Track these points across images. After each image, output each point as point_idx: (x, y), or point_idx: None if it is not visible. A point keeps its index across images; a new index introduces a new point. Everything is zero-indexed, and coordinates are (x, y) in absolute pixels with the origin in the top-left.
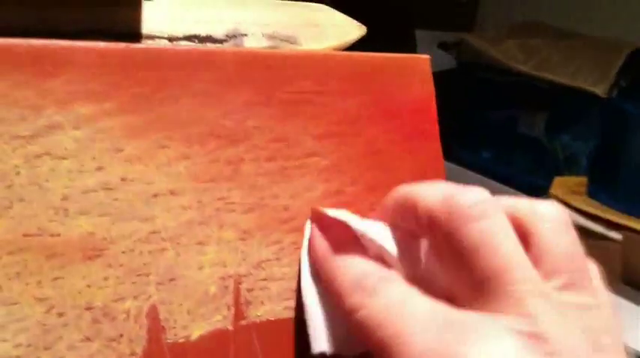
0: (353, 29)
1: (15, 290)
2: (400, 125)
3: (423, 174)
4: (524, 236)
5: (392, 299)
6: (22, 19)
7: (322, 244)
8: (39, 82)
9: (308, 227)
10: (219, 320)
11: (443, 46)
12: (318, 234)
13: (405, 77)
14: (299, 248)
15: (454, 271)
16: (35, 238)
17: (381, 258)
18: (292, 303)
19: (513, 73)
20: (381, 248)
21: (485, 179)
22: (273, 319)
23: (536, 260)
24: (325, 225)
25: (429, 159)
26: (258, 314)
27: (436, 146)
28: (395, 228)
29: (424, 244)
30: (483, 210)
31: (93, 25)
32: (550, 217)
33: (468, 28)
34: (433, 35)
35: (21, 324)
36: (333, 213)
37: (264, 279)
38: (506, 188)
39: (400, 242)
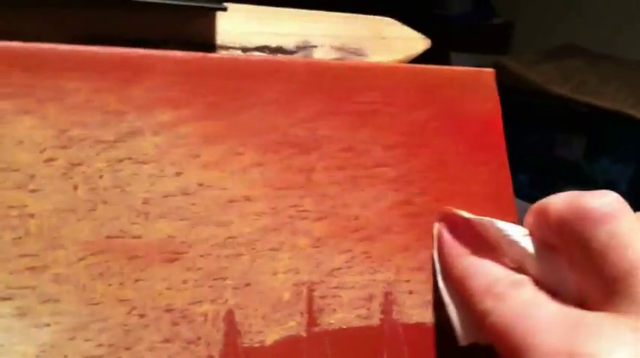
0: (418, 42)
1: (98, 290)
2: (466, 137)
3: (489, 186)
4: None
5: (520, 302)
6: (104, 28)
7: (454, 245)
8: (120, 89)
9: (436, 227)
10: (293, 326)
11: None
12: (447, 234)
13: (471, 90)
14: (369, 257)
15: (584, 274)
16: (118, 240)
17: (513, 261)
18: (364, 312)
19: (551, 95)
20: (518, 246)
21: (522, 202)
22: (345, 327)
23: None
24: (453, 225)
25: (495, 170)
26: (331, 321)
27: (502, 157)
28: (531, 236)
29: (557, 252)
30: (611, 212)
31: (170, 35)
32: None
33: (503, 51)
34: (468, 58)
35: (103, 324)
36: (468, 214)
37: (336, 287)
38: None
39: (536, 248)
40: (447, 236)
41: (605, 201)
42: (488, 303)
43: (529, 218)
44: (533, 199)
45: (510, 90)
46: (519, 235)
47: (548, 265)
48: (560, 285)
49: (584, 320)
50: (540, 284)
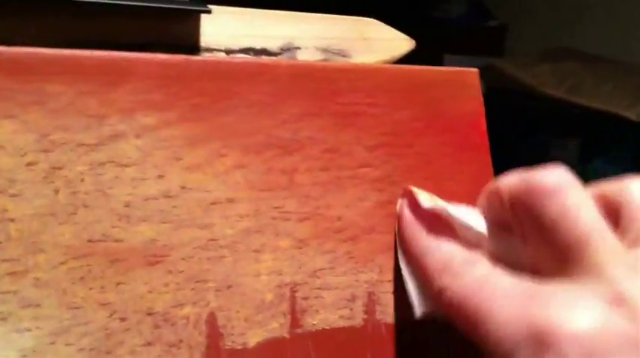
0: (402, 43)
1: (79, 294)
2: (450, 137)
3: (474, 185)
4: (614, 211)
5: (476, 277)
6: (86, 31)
7: (413, 223)
8: (103, 92)
9: (399, 203)
10: (276, 327)
11: None
12: (408, 212)
13: (455, 90)
14: (353, 257)
15: (537, 248)
16: (99, 244)
17: (469, 241)
18: (347, 312)
19: (545, 97)
20: (472, 230)
21: None
22: (328, 328)
23: (623, 230)
24: (414, 203)
25: (479, 170)
26: (314, 322)
27: (486, 158)
28: (485, 217)
29: (510, 230)
30: (560, 184)
31: (154, 37)
32: (637, 189)
33: (498, 53)
34: (461, 60)
35: (84, 328)
36: (425, 199)
37: (319, 288)
38: None
39: (489, 227)
40: (407, 213)
41: (553, 175)
42: (444, 280)
43: (482, 200)
44: None
45: (505, 93)
46: (473, 218)
47: (503, 244)
48: (515, 263)
49: (539, 289)
50: (496, 262)
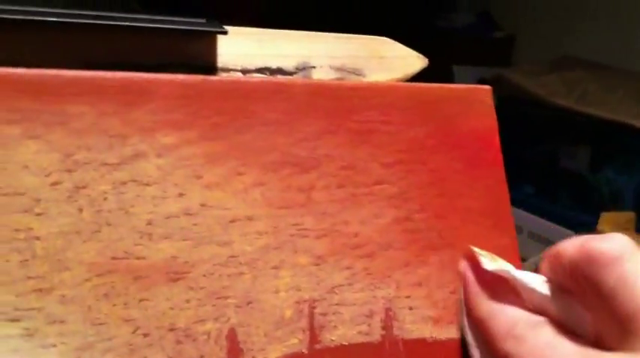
0: (415, 61)
1: (103, 310)
2: (464, 153)
3: (487, 202)
4: None
5: (540, 344)
6: (106, 52)
7: (476, 286)
8: (124, 112)
9: (462, 265)
10: (295, 343)
11: (481, 81)
12: (471, 275)
13: (468, 107)
14: (370, 273)
15: (598, 316)
16: (122, 261)
17: (533, 304)
18: (365, 328)
19: (554, 107)
20: (536, 293)
21: (528, 215)
22: (346, 344)
23: None
24: (477, 266)
25: (493, 186)
26: (332, 338)
27: (500, 174)
28: (548, 281)
29: (572, 295)
30: (619, 254)
31: (171, 58)
32: None
33: (505, 63)
34: (470, 70)
35: (108, 344)
36: (487, 261)
37: (337, 304)
38: (549, 223)
39: (552, 291)
40: (470, 276)
41: (613, 244)
42: (508, 345)
43: (544, 263)
44: (538, 211)
45: (513, 103)
46: (537, 282)
47: (566, 308)
48: (577, 327)
49: None
50: (559, 326)
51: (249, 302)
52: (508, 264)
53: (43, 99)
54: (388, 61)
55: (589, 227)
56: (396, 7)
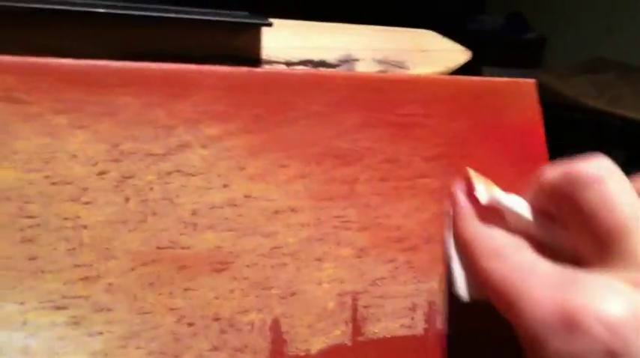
0: (459, 54)
1: (149, 299)
2: (507, 147)
3: None
4: None
5: (520, 262)
6: (152, 44)
7: (467, 208)
8: (169, 103)
9: (455, 186)
10: (338, 335)
11: None
12: (463, 197)
13: (511, 100)
14: (412, 267)
15: (578, 236)
16: (167, 251)
17: (518, 228)
18: (407, 321)
19: (586, 109)
20: (521, 218)
21: None
22: (389, 336)
23: None
24: (470, 189)
25: None
26: (375, 330)
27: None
28: (531, 205)
29: (554, 218)
30: (599, 174)
31: (216, 50)
32: None
33: (536, 65)
34: (500, 73)
35: (154, 332)
36: (481, 190)
37: (380, 297)
38: None
39: (535, 215)
40: (461, 198)
41: (594, 164)
42: (491, 263)
43: (527, 189)
44: None
45: (545, 105)
46: (522, 207)
47: (548, 231)
48: (559, 250)
49: (577, 275)
50: (542, 249)
51: (292, 293)
52: (499, 192)
53: (90, 90)
54: (431, 54)
55: None
56: (426, 9)
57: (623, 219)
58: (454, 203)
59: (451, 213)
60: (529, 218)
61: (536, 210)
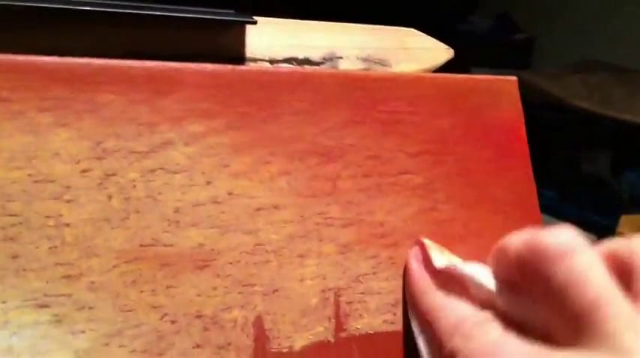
0: (442, 53)
1: (131, 297)
2: (490, 144)
3: (514, 192)
4: (625, 271)
5: (488, 342)
6: (135, 43)
7: (423, 279)
8: (153, 101)
9: (409, 254)
10: (321, 331)
11: None
12: (416, 264)
13: (494, 98)
14: (395, 263)
15: (548, 311)
16: (150, 248)
17: (480, 299)
18: (390, 317)
19: (575, 110)
20: (483, 288)
21: (550, 218)
22: (372, 332)
23: (636, 294)
24: (426, 257)
25: (519, 177)
26: (358, 327)
27: (526, 164)
28: (495, 275)
29: (521, 289)
30: (567, 249)
31: (200, 48)
32: None
33: (525, 66)
34: (489, 73)
35: (136, 330)
36: (437, 255)
37: (363, 293)
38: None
39: (499, 286)
40: (415, 266)
41: (561, 239)
42: (456, 342)
43: (490, 259)
44: (560, 215)
45: (534, 105)
46: (485, 276)
47: (514, 303)
48: (526, 321)
49: (550, 356)
50: (508, 322)
51: (275, 290)
52: (457, 258)
53: (73, 88)
54: (414, 52)
55: (611, 230)
56: (415, 10)
57: (596, 296)
58: (408, 272)
59: (407, 287)
60: (492, 288)
61: (500, 279)
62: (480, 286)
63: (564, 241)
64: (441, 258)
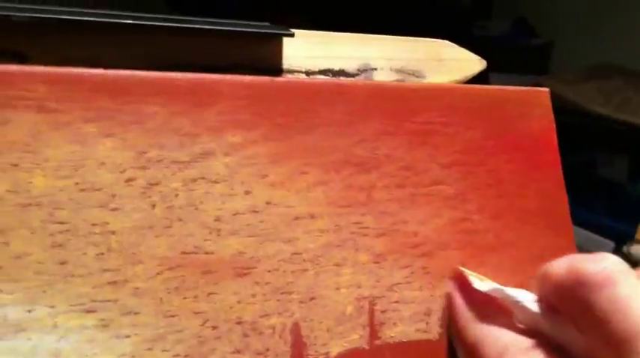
0: (474, 63)
1: (174, 303)
2: (522, 155)
3: (545, 203)
4: None
5: None
6: (176, 55)
7: (465, 309)
8: (194, 112)
9: (450, 286)
10: (356, 339)
11: None
12: (459, 298)
13: (526, 109)
14: (428, 272)
15: (590, 338)
16: (192, 256)
17: (525, 323)
18: (423, 326)
19: (592, 115)
20: (528, 312)
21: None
22: (405, 340)
23: None
24: (467, 287)
25: (551, 188)
26: (392, 335)
27: (558, 176)
28: (538, 300)
29: (562, 315)
30: (610, 276)
31: (240, 60)
32: None
33: (542, 71)
34: (507, 78)
35: (179, 335)
36: (477, 281)
37: (397, 302)
38: (586, 232)
39: (543, 311)
40: (458, 300)
41: (603, 266)
42: None
43: (535, 283)
44: (575, 220)
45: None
46: (529, 299)
47: (557, 327)
48: (571, 347)
49: None
50: (551, 347)
51: (311, 298)
52: (498, 285)
53: (119, 99)
54: (447, 63)
55: (627, 236)
56: (432, 16)
57: (637, 323)
58: (451, 305)
59: (451, 319)
60: (537, 311)
61: (544, 304)
62: (525, 310)
63: (607, 268)
64: (483, 284)
